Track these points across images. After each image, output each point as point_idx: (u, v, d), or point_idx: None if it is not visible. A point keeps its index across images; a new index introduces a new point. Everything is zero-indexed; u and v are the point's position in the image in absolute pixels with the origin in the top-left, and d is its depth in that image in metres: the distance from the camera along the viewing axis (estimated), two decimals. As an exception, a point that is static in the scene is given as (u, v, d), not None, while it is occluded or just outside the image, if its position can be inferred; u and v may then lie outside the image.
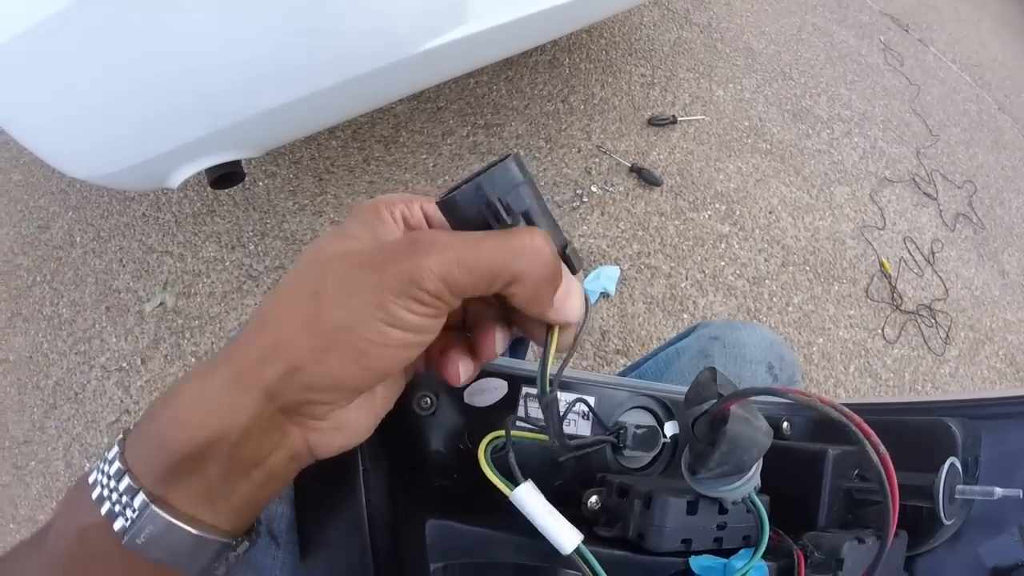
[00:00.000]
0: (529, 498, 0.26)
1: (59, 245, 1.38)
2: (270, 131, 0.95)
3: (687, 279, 1.44)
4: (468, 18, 0.92)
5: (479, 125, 1.59)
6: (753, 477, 0.28)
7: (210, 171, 0.91)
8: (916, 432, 0.34)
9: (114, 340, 1.25)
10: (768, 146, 1.73)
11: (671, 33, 1.89)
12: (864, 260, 1.71)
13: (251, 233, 1.39)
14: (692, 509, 0.28)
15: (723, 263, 1.49)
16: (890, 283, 1.71)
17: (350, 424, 0.24)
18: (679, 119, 1.64)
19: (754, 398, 0.36)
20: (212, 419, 0.20)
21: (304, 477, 0.30)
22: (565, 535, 0.26)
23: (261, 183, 1.48)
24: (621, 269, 1.39)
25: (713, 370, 0.27)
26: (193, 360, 1.23)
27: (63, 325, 1.28)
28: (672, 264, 1.44)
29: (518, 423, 0.30)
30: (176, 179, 0.89)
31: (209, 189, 1.45)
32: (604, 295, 1.37)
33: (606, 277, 1.37)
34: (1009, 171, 2.55)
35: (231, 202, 1.43)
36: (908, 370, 1.62)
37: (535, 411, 0.33)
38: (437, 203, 0.23)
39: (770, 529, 0.30)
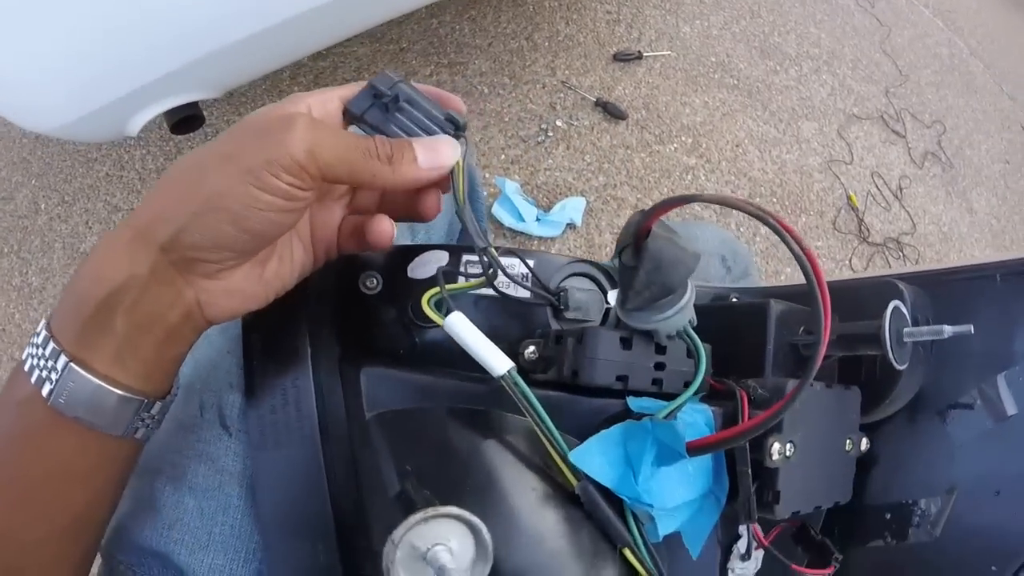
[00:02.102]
0: (461, 324, 0.26)
1: (24, 214, 1.37)
2: (232, 68, 0.92)
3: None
4: None
5: (443, 64, 1.57)
6: (685, 308, 0.27)
7: (169, 115, 0.89)
8: (866, 292, 0.34)
9: None
10: (735, 81, 1.72)
11: (637, -29, 1.87)
12: (831, 193, 1.72)
13: None
14: (627, 344, 0.28)
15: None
16: (857, 216, 1.73)
17: (239, 289, 0.26)
18: (645, 55, 1.62)
19: (702, 279, 0.36)
20: (117, 271, 0.23)
21: (253, 361, 0.31)
22: (498, 360, 0.25)
23: (221, 130, 1.47)
24: (587, 201, 1.39)
25: (642, 211, 0.26)
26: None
27: (34, 294, 1.27)
28: (638, 195, 1.44)
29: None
30: (135, 125, 0.87)
31: (171, 142, 1.42)
32: (571, 226, 1.37)
33: (572, 208, 1.37)
34: (979, 114, 2.58)
35: None
36: (875, 300, 1.65)
37: (475, 272, 0.33)
38: (343, 111, 0.28)
39: (714, 380, 0.30)
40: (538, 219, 1.34)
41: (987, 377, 0.31)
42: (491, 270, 0.29)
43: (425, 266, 0.33)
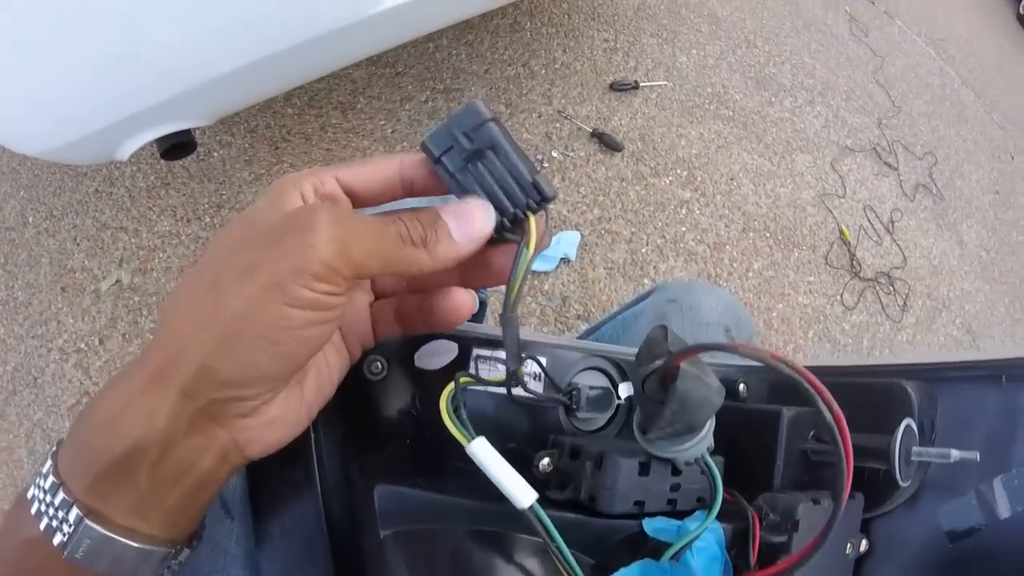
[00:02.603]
0: (485, 452, 0.25)
1: (11, 226, 1.35)
2: (221, 98, 0.92)
3: (648, 244, 1.44)
4: None
5: (438, 90, 1.55)
6: (705, 437, 0.27)
7: (160, 141, 0.88)
8: (872, 394, 0.33)
9: (71, 321, 1.23)
10: (730, 113, 1.72)
11: (635, -1, 1.87)
12: (824, 227, 1.72)
13: (207, 205, 1.36)
14: (644, 470, 0.28)
15: (684, 228, 1.49)
16: (849, 250, 1.74)
17: (279, 418, 0.23)
18: (641, 84, 1.62)
19: (708, 357, 0.35)
20: (134, 426, 0.20)
21: (260, 472, 0.30)
22: (522, 491, 0.25)
23: (216, 153, 1.44)
24: (582, 234, 1.38)
25: (664, 328, 0.26)
26: (151, 337, 1.20)
27: (19, 309, 1.26)
28: (633, 229, 1.43)
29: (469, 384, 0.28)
30: (125, 151, 0.87)
31: (163, 161, 1.40)
32: (565, 260, 1.36)
33: (566, 242, 1.36)
34: (970, 144, 2.61)
35: (185, 174, 1.40)
36: (866, 336, 1.65)
37: (486, 372, 0.32)
38: (421, 144, 0.24)
39: (724, 491, 0.29)
40: (531, 252, 1.33)
41: (984, 479, 0.31)
42: (512, 381, 0.27)
43: (432, 356, 0.32)
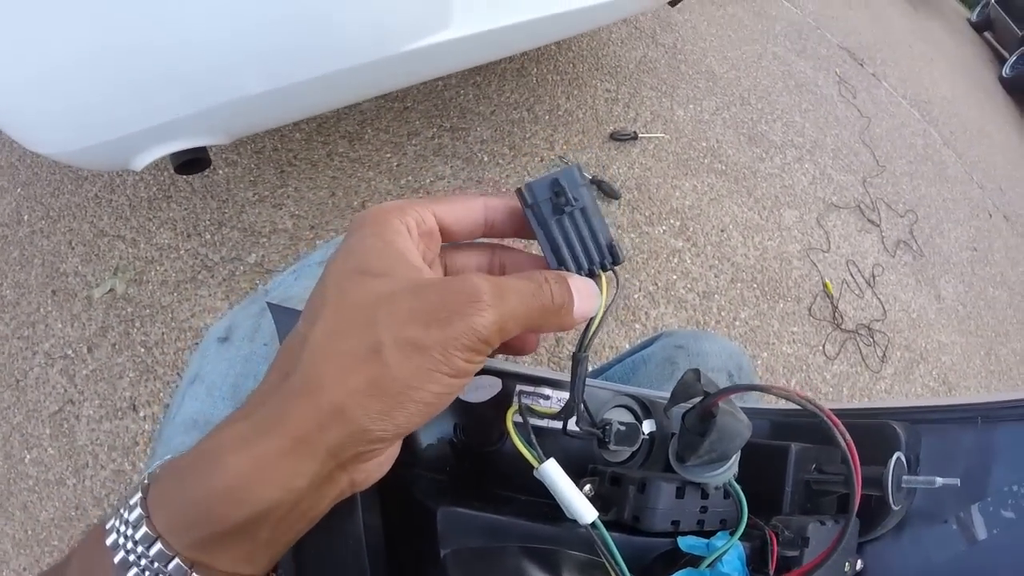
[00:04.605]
0: (555, 471, 0.29)
1: (5, 223, 1.31)
2: (244, 119, 0.93)
3: (640, 291, 1.48)
4: (451, 23, 0.94)
5: (445, 128, 1.60)
6: (733, 465, 0.31)
7: (175, 155, 0.88)
8: (865, 433, 0.37)
9: (60, 326, 1.20)
10: (723, 167, 1.80)
11: (637, 51, 1.95)
12: (808, 280, 1.79)
13: (208, 222, 1.35)
14: (680, 494, 0.32)
15: (675, 277, 1.54)
16: (832, 303, 1.80)
17: (390, 455, 0.24)
18: (640, 135, 1.69)
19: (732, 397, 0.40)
20: (271, 489, 0.19)
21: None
22: (586, 508, 0.28)
23: (221, 171, 1.44)
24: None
25: (697, 371, 0.30)
26: (142, 350, 1.19)
27: (6, 308, 1.22)
28: (626, 275, 1.48)
29: (515, 419, 0.31)
30: (140, 161, 0.86)
31: (166, 174, 1.40)
32: (558, 302, 1.40)
33: (561, 285, 1.40)
34: (950, 203, 2.72)
35: (189, 188, 1.39)
36: (847, 385, 1.70)
37: (530, 402, 0.35)
38: (516, 190, 0.26)
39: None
40: (527, 292, 1.37)
41: (964, 506, 0.36)
42: (567, 414, 0.31)
43: (478, 390, 0.35)
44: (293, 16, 0.77)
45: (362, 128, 1.60)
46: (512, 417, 0.30)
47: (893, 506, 0.34)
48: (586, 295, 0.25)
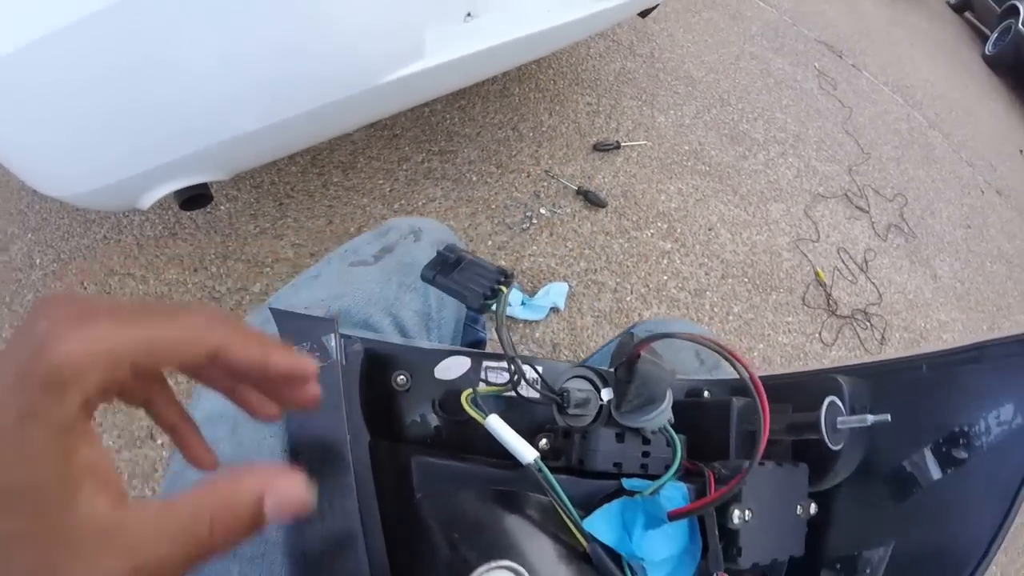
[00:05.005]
0: (498, 424, 0.35)
1: (18, 267, 1.35)
2: (242, 155, 0.99)
3: (632, 293, 1.53)
4: (425, 54, 1.01)
5: (433, 152, 1.67)
6: (664, 411, 0.36)
7: (179, 193, 0.94)
8: (814, 385, 0.41)
9: None
10: (707, 168, 1.85)
11: (616, 63, 2.02)
12: (800, 270, 1.82)
13: (213, 256, 1.41)
14: (620, 439, 0.37)
15: (666, 277, 1.59)
16: (825, 291, 1.83)
17: None
18: (623, 144, 1.75)
19: (678, 378, 0.45)
20: None
21: (298, 447, 0.37)
22: (527, 450, 0.34)
23: (223, 207, 1.51)
24: (569, 285, 1.47)
25: (632, 334, 0.36)
26: None
27: None
28: (618, 279, 1.53)
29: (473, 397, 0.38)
30: (148, 200, 0.91)
31: (171, 212, 1.47)
32: (554, 310, 1.45)
33: (556, 293, 1.45)
34: (940, 183, 2.74)
35: (193, 225, 1.46)
36: (845, 372, 1.73)
37: (495, 377, 0.42)
38: (421, 276, 0.36)
39: (688, 461, 0.38)
40: (523, 303, 1.42)
41: (917, 449, 0.39)
42: (515, 377, 0.37)
43: (450, 369, 0.41)
44: (281, 59, 0.84)
45: (354, 157, 1.66)
46: (467, 396, 0.36)
47: (831, 446, 0.37)
48: (285, 491, 0.19)
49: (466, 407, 0.36)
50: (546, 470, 0.33)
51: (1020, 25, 4.78)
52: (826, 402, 0.37)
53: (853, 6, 3.90)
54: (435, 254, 0.39)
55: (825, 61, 2.81)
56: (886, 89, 3.05)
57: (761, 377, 0.35)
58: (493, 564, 0.28)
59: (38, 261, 1.37)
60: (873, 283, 1.98)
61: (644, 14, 1.64)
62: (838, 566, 0.39)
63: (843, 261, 1.96)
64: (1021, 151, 3.88)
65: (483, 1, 1.14)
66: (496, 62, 1.27)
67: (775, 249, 1.81)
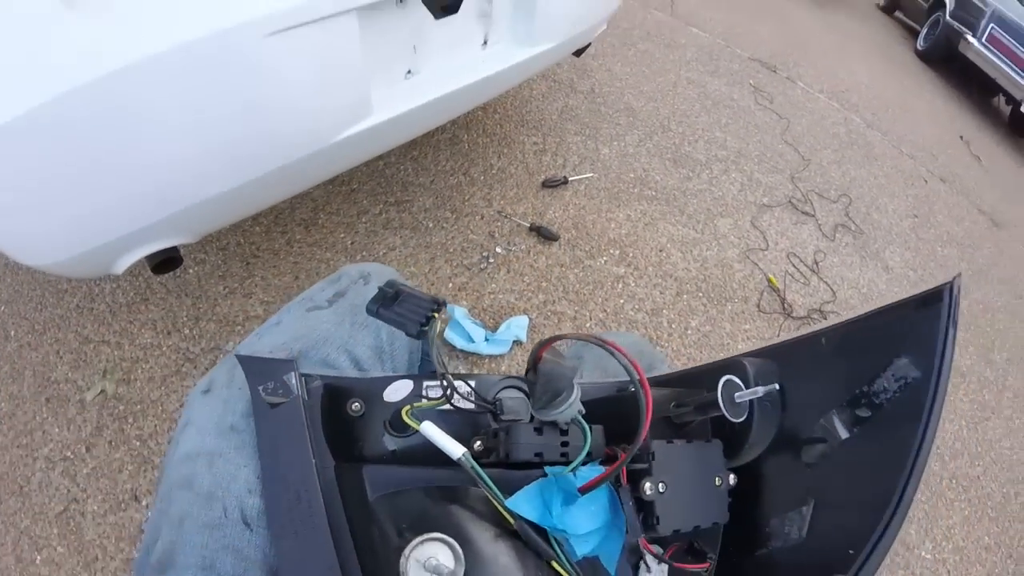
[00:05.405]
0: (431, 428, 0.40)
1: None
2: (211, 216, 1.04)
3: (591, 319, 1.60)
4: (372, 111, 1.09)
5: (390, 203, 1.74)
6: (573, 403, 0.41)
7: (151, 257, 0.99)
8: (721, 371, 0.46)
9: (56, 430, 1.25)
10: (653, 192, 1.95)
11: (558, 102, 2.13)
12: (752, 279, 1.91)
13: (185, 318, 1.44)
14: (539, 432, 0.42)
15: (622, 300, 1.66)
16: (779, 295, 1.92)
17: None
18: (570, 179, 1.84)
19: (613, 377, 0.50)
20: None
21: (269, 469, 0.41)
22: (456, 447, 0.39)
23: (191, 270, 1.55)
24: (530, 318, 1.54)
25: (540, 342, 0.41)
26: (138, 443, 1.26)
27: (2, 420, 1.27)
28: (576, 308, 1.60)
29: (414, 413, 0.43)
30: (122, 265, 0.96)
31: (141, 279, 1.50)
32: (517, 342, 1.50)
33: (516, 326, 1.51)
34: (882, 179, 2.88)
35: (163, 290, 1.49)
36: (807, 372, 1.80)
37: (433, 395, 0.47)
38: (367, 309, 0.41)
39: (609, 447, 0.43)
40: (487, 339, 1.47)
41: (824, 415, 0.43)
42: (449, 392, 0.42)
43: (396, 392, 0.47)
44: (244, 126, 0.91)
45: (315, 214, 1.72)
46: (406, 411, 0.43)
47: (732, 419, 0.42)
48: None
49: (405, 419, 0.41)
50: (473, 463, 0.38)
51: (947, 16, 5.07)
52: (722, 381, 0.42)
53: (784, 21, 4.13)
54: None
55: (760, 77, 2.97)
56: (822, 96, 3.22)
57: (681, 369, 0.41)
58: (424, 536, 0.34)
59: (13, 333, 1.39)
60: (826, 282, 2.07)
61: (578, 53, 1.75)
62: (767, 529, 0.43)
63: (794, 265, 2.06)
64: (961, 137, 4.07)
65: (422, 59, 1.22)
66: (439, 113, 1.36)
67: (726, 262, 1.90)
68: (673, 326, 1.67)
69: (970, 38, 4.72)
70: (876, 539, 0.35)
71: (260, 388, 0.44)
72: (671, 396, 0.48)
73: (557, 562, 0.38)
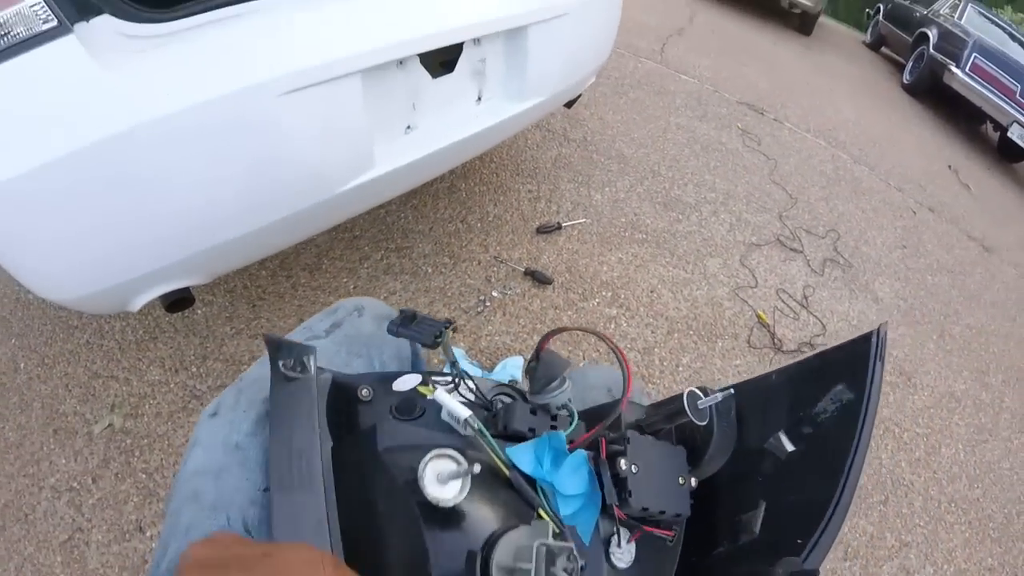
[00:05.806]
0: (443, 395, 0.48)
1: (3, 371, 1.41)
2: (223, 259, 1.12)
3: (584, 358, 1.66)
4: (375, 164, 1.18)
5: (391, 249, 1.83)
6: (565, 391, 0.49)
7: (164, 296, 1.05)
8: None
9: (63, 461, 1.26)
10: (644, 236, 2.03)
11: (552, 151, 2.25)
12: (742, 316, 1.97)
13: (193, 357, 1.47)
14: (533, 412, 0.50)
15: (615, 340, 1.72)
16: (769, 331, 1.97)
17: None
18: (564, 224, 1.94)
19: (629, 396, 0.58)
20: None
21: (277, 435, 0.47)
22: (463, 411, 0.46)
23: (200, 311, 1.60)
24: (524, 358, 1.61)
25: (544, 336, 0.51)
26: (144, 476, 1.27)
27: (9, 449, 1.29)
28: (570, 348, 1.66)
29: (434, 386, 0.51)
30: (139, 303, 1.02)
31: (150, 318, 1.56)
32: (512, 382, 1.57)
33: (512, 366, 1.57)
34: (870, 213, 2.96)
35: (172, 329, 1.52)
36: (799, 407, 1.83)
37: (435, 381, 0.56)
38: (387, 329, 0.52)
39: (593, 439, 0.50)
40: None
41: (774, 433, 0.51)
42: (456, 380, 0.50)
43: (405, 383, 0.54)
44: (256, 177, 1.00)
45: (319, 259, 1.79)
46: (420, 386, 0.52)
47: (697, 421, 0.50)
48: None
49: (420, 389, 0.49)
50: (479, 422, 0.45)
51: (931, 49, 5.25)
52: (686, 392, 0.51)
53: (771, 64, 4.30)
54: (376, 325, 0.56)
55: (748, 120, 3.10)
56: (809, 136, 3.34)
57: (655, 401, 0.49)
58: (437, 451, 0.41)
59: (22, 365, 1.42)
60: (815, 316, 2.13)
61: (569, 104, 1.86)
62: (724, 529, 0.51)
63: (783, 300, 2.12)
64: (950, 166, 4.17)
65: (420, 115, 1.32)
66: (437, 165, 1.45)
67: (716, 300, 1.97)
68: (664, 363, 1.72)
69: (954, 68, 4.88)
70: (823, 527, 0.43)
71: (280, 363, 0.50)
72: (641, 412, 0.57)
73: (544, 510, 0.44)
